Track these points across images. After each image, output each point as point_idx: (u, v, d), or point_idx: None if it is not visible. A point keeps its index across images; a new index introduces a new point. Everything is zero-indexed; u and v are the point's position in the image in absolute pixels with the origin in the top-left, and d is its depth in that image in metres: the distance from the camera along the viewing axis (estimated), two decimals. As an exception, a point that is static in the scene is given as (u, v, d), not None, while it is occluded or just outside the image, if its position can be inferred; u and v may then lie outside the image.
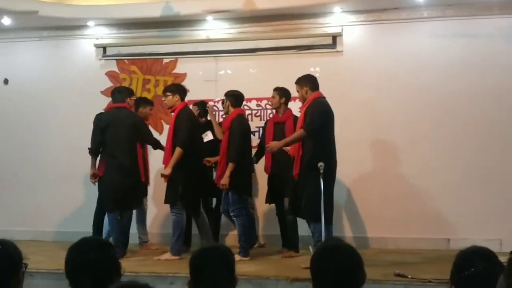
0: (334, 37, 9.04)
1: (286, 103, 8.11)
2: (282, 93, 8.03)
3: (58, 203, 9.54)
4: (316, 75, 8.87)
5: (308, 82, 7.35)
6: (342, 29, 9.02)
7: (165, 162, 7.58)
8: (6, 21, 9.31)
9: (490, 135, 8.52)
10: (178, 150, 7.42)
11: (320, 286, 2.85)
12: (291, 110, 8.16)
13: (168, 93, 7.74)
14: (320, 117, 7.08)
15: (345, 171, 8.31)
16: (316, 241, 6.81)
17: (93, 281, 2.79)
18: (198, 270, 3.11)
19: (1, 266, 2.75)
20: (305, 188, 6.94)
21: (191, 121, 7.68)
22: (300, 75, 8.85)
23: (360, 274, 2.84)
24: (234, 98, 7.79)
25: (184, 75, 9.36)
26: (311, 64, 9.04)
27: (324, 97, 7.36)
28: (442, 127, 8.62)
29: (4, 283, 2.72)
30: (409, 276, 6.04)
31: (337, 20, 9.04)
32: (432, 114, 8.66)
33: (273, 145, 7.20)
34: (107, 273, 2.80)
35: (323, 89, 8.82)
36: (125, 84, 9.54)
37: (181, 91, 7.78)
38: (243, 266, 6.46)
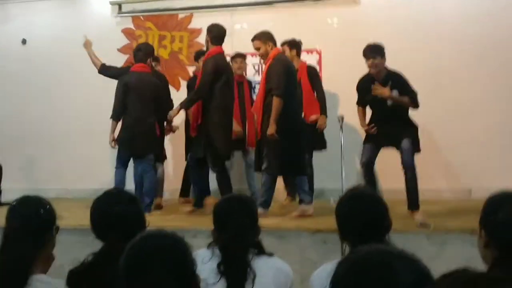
0: (352, -13, 8.89)
1: (298, 55, 7.87)
2: (292, 46, 7.77)
3: (79, 161, 9.60)
4: (334, 25, 8.83)
5: (270, 38, 7.05)
6: (360, -22, 8.87)
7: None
8: (20, -21, 9.27)
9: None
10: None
11: (346, 232, 2.86)
12: (305, 63, 7.99)
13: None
14: (284, 77, 6.83)
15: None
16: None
17: (119, 233, 2.79)
18: (222, 219, 3.11)
19: (36, 223, 2.80)
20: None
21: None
22: (317, 27, 8.78)
23: (385, 221, 2.84)
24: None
25: (200, 29, 9.28)
26: (328, 15, 8.97)
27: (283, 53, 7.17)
28: (465, 76, 8.49)
29: (36, 239, 2.76)
30: (432, 226, 6.01)
31: (355, -31, 8.89)
32: (454, 63, 8.53)
33: (270, 132, 6.82)
34: (133, 226, 2.80)
35: (341, 40, 8.79)
36: (142, 40, 9.50)
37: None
38: (262, 220, 6.43)
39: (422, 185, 8.46)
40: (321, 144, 7.89)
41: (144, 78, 7.57)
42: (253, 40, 7.08)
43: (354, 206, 2.88)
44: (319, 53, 8.95)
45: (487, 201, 2.64)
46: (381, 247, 1.62)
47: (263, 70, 7.37)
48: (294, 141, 6.85)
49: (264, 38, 7.01)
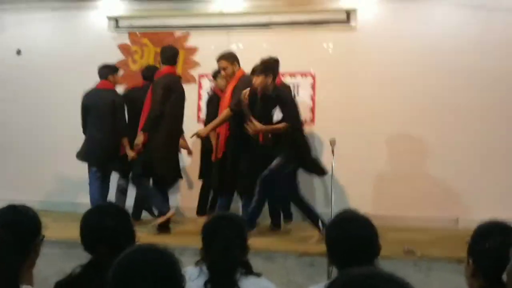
0: (348, 13, 8.95)
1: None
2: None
3: (64, 174, 9.57)
4: (329, 51, 8.89)
5: (236, 59, 7.29)
6: (356, 4, 8.92)
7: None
8: (18, -11, 9.30)
9: (510, 113, 8.44)
10: None
11: (335, 255, 2.86)
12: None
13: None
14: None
15: (355, 147, 8.30)
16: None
17: (108, 247, 2.79)
18: (210, 237, 3.11)
19: (22, 231, 2.77)
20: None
21: None
22: (313, 50, 8.84)
23: (375, 245, 2.84)
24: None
25: (196, 48, 9.32)
26: (324, 40, 9.00)
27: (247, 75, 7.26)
28: (457, 103, 8.52)
29: (23, 248, 2.73)
30: (418, 253, 6.02)
31: (351, -5, 8.95)
32: (447, 89, 8.55)
33: (201, 131, 7.18)
34: (122, 240, 2.80)
35: (336, 65, 8.84)
36: (137, 57, 9.55)
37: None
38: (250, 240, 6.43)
39: (409, 212, 8.52)
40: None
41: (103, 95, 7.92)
42: (219, 59, 7.27)
43: (344, 229, 2.89)
44: (313, 77, 8.98)
45: (475, 230, 2.65)
46: (370, 269, 1.63)
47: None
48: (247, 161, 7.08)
49: (231, 59, 7.27)
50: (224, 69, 7.21)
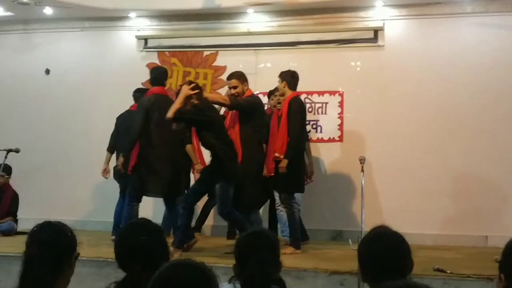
0: (376, 31, 8.97)
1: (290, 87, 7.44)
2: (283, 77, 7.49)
3: (96, 193, 9.64)
4: (357, 69, 8.92)
5: (246, 79, 7.41)
6: (383, 23, 8.95)
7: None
8: (48, 11, 9.42)
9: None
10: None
11: (367, 271, 2.85)
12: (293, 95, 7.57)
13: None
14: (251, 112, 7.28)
15: (383, 165, 8.29)
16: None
17: (142, 264, 2.80)
18: (244, 254, 3.11)
19: (58, 248, 2.78)
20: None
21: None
22: (340, 69, 8.87)
23: (407, 261, 2.83)
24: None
25: (224, 67, 9.37)
26: (352, 58, 9.03)
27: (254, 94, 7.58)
28: (484, 121, 8.51)
29: (58, 265, 2.75)
30: (448, 271, 5.97)
31: (378, 14, 8.97)
32: (474, 107, 8.55)
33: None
34: (157, 257, 2.81)
35: (364, 83, 8.88)
36: (166, 76, 9.65)
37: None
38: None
39: (439, 230, 8.47)
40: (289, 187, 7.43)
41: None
42: (230, 78, 7.38)
43: (377, 245, 2.87)
44: (342, 95, 8.99)
45: (507, 245, 2.64)
46: (405, 282, 1.62)
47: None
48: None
49: (242, 78, 7.37)
50: (235, 87, 7.30)
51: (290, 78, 7.35)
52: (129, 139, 7.44)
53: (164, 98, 7.52)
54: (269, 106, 8.26)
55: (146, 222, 3.15)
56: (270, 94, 8.16)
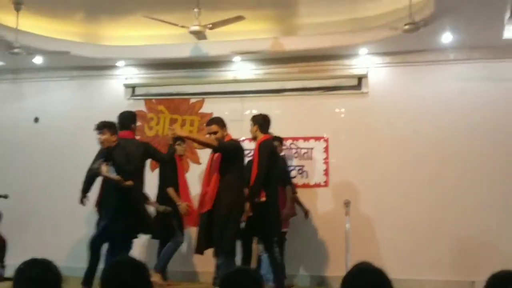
0: (360, 79, 9.12)
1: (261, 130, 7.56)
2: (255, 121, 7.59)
3: (84, 239, 9.58)
4: (342, 115, 9.03)
5: (225, 125, 7.48)
6: (367, 70, 9.11)
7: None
8: (38, 60, 9.52)
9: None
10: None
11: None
12: (265, 137, 7.70)
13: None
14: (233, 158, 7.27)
15: (368, 209, 8.32)
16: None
17: None
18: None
19: (45, 284, 2.79)
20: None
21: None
22: (325, 115, 8.99)
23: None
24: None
25: (211, 114, 9.44)
26: (336, 105, 9.16)
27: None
28: (467, 167, 8.60)
29: None
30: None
31: (362, 61, 9.13)
32: (457, 154, 8.66)
33: (179, 130, 7.46)
34: None
35: (349, 130, 8.97)
36: (153, 123, 9.73)
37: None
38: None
39: (425, 275, 8.48)
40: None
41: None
42: (210, 124, 7.43)
43: (359, 281, 2.89)
44: (327, 141, 9.09)
45: (489, 280, 2.68)
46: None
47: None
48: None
49: (221, 124, 7.43)
50: (215, 133, 7.36)
51: (261, 121, 7.42)
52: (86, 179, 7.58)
53: (127, 141, 7.53)
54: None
55: (131, 259, 3.17)
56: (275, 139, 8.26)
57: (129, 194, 7.16)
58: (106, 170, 7.13)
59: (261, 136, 7.35)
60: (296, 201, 8.53)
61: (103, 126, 7.32)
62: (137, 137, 8.92)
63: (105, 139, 7.28)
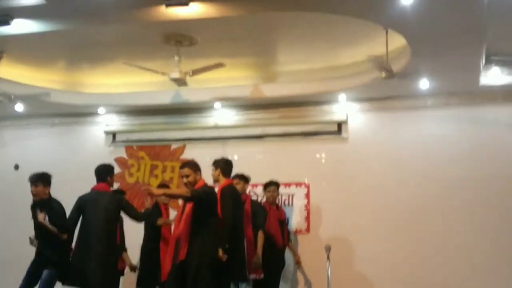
0: (340, 124, 9.22)
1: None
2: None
3: None
4: (322, 161, 9.09)
5: (199, 169, 7.14)
6: (347, 116, 9.20)
7: None
8: (20, 107, 9.53)
9: (497, 220, 8.49)
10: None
11: None
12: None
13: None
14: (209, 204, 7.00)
15: (350, 254, 8.32)
16: None
17: None
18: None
19: None
20: None
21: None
22: (306, 161, 9.03)
23: None
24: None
25: (192, 160, 9.46)
26: (316, 150, 9.23)
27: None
28: (447, 212, 8.64)
29: None
30: None
31: (342, 107, 9.23)
32: (437, 199, 8.70)
33: (155, 189, 7.14)
34: None
35: (329, 174, 9.03)
36: (133, 170, 9.73)
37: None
38: None
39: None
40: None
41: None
42: (183, 167, 7.18)
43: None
44: (308, 186, 9.13)
45: None
46: None
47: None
48: None
49: (195, 168, 7.11)
50: (187, 176, 7.23)
51: (224, 165, 7.35)
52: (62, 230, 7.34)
53: (102, 194, 7.52)
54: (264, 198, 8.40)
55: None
56: (266, 186, 8.30)
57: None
58: (43, 218, 7.13)
59: (223, 181, 7.28)
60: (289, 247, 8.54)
61: (37, 179, 7.33)
62: (117, 184, 8.95)
63: (38, 191, 7.29)
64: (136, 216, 7.66)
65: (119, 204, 7.53)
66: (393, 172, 8.87)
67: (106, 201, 7.37)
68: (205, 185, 7.19)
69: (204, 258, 6.65)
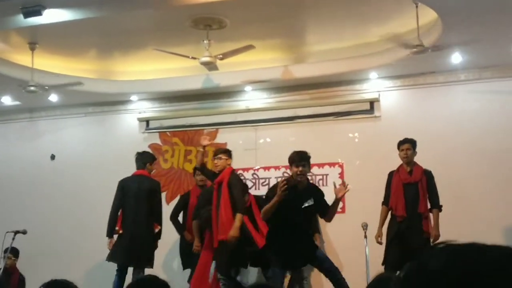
0: (372, 103, 9.17)
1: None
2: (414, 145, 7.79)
3: (107, 276, 9.61)
4: (355, 140, 9.05)
5: (231, 156, 7.77)
6: (379, 94, 9.15)
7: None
8: (54, 98, 9.67)
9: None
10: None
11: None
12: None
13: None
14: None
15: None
16: None
17: None
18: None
19: None
20: None
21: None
22: (339, 141, 9.01)
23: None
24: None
25: (225, 144, 9.51)
26: (349, 130, 9.19)
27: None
28: (483, 187, 8.57)
29: None
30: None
31: (373, 86, 9.19)
32: (472, 175, 8.63)
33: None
34: None
35: (363, 154, 8.98)
36: (167, 156, 9.80)
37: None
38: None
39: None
40: None
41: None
42: (220, 153, 7.68)
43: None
44: (342, 166, 9.11)
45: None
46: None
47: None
48: None
49: (228, 154, 7.69)
50: (220, 159, 7.54)
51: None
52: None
53: (141, 177, 8.01)
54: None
55: (153, 278, 3.18)
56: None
57: None
58: None
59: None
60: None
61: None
62: (153, 171, 8.99)
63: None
64: (157, 211, 7.99)
65: (152, 191, 7.93)
66: (427, 148, 8.77)
67: (147, 184, 7.87)
68: (233, 171, 7.42)
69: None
